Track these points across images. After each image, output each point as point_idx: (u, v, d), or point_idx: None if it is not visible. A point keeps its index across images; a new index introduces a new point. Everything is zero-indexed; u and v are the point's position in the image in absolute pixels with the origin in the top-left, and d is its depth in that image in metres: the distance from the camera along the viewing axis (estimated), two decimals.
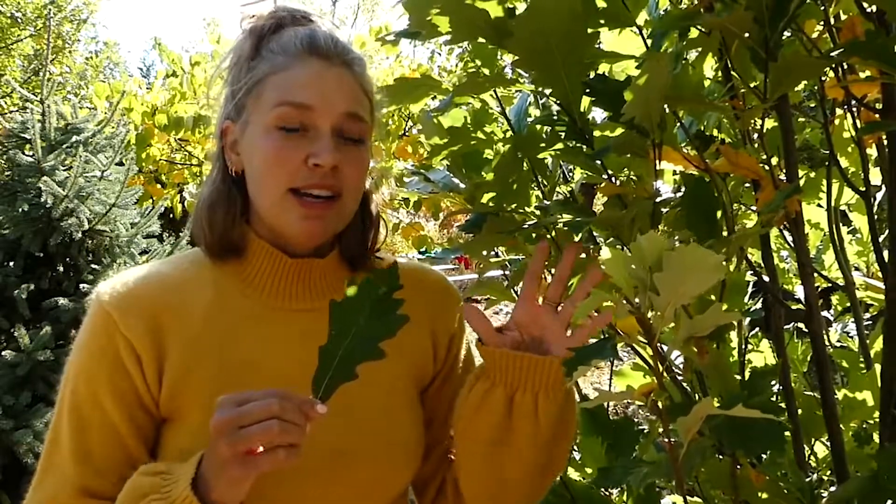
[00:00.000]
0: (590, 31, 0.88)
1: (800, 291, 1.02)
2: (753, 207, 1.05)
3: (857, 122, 0.99)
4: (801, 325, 1.39)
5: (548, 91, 0.94)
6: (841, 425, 1.01)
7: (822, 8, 0.90)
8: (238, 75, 0.88)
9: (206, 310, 0.87)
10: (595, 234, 1.14)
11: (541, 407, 0.80)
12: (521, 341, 0.82)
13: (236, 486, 0.70)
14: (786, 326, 1.22)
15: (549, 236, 1.07)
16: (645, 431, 1.15)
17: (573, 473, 1.19)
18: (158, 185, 5.00)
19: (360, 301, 0.72)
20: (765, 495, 0.90)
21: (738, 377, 0.99)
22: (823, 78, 0.98)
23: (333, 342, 0.71)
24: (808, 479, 0.91)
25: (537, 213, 1.03)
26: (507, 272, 1.27)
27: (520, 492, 0.87)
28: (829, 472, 1.20)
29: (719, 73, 1.00)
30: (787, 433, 0.96)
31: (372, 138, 0.92)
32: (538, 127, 1.10)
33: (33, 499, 0.84)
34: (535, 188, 1.12)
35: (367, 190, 0.94)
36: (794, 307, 1.08)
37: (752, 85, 0.87)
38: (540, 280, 0.82)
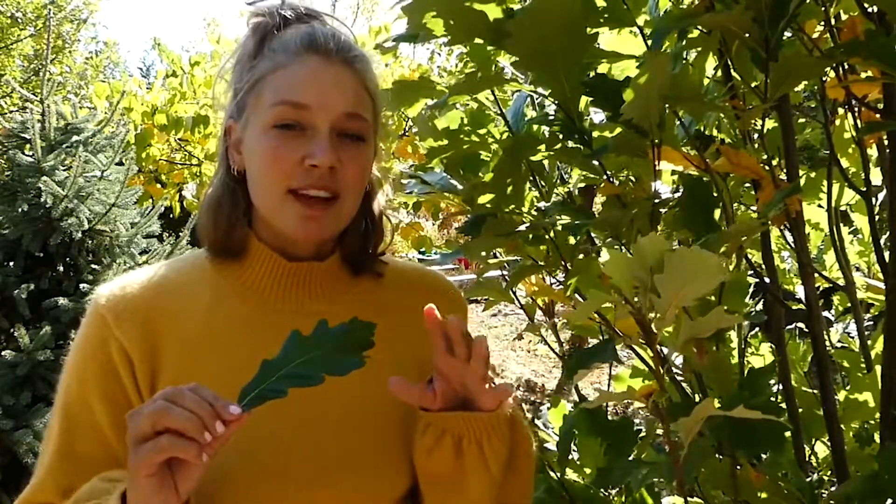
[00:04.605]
0: (589, 31, 0.88)
1: (800, 292, 1.02)
2: (754, 207, 1.05)
3: (858, 122, 0.99)
4: (801, 325, 1.39)
5: (546, 91, 0.94)
6: (842, 425, 1.01)
7: (823, 8, 0.90)
8: (241, 74, 0.88)
9: (203, 314, 0.87)
10: (593, 235, 1.13)
11: (486, 451, 0.80)
12: (450, 390, 0.80)
13: (145, 498, 0.67)
14: (787, 327, 1.22)
15: (547, 237, 1.07)
16: (643, 433, 1.15)
17: (572, 474, 1.19)
18: (158, 185, 5.01)
19: (324, 341, 0.71)
20: (765, 495, 0.90)
21: (738, 378, 0.99)
22: (824, 78, 0.98)
23: (277, 362, 0.69)
24: (808, 480, 0.91)
25: (533, 214, 1.03)
26: (505, 273, 1.27)
27: None
28: (829, 472, 1.20)
29: (719, 73, 1.00)
30: (788, 433, 0.96)
31: (376, 137, 0.91)
32: (535, 127, 1.10)
33: (22, 494, 0.84)
34: (533, 190, 1.11)
35: (369, 190, 0.93)
36: (794, 307, 1.07)
37: (752, 85, 0.87)
38: (444, 334, 0.79)
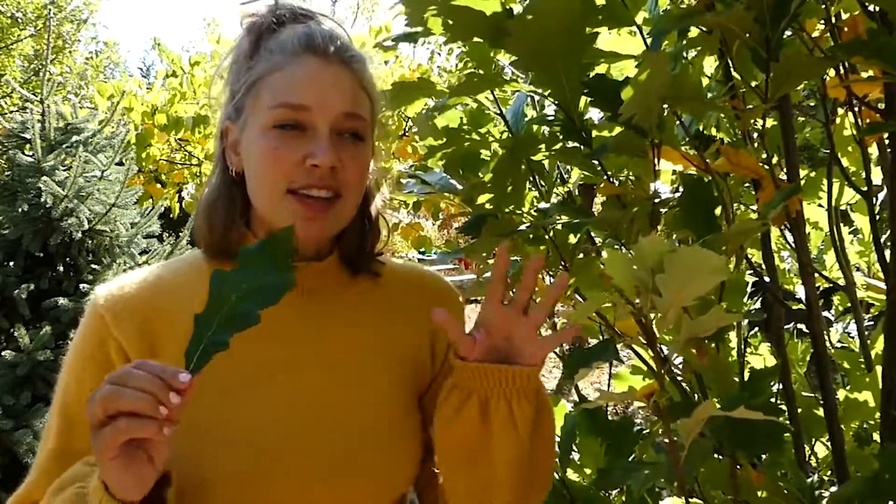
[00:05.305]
0: (589, 30, 0.87)
1: (800, 291, 1.02)
2: (754, 207, 1.05)
3: (859, 121, 0.99)
4: (801, 325, 1.39)
5: (546, 91, 0.93)
6: (841, 426, 1.01)
7: (824, 7, 0.90)
8: (238, 75, 0.88)
9: None
10: (593, 234, 1.13)
11: (516, 412, 0.77)
12: (490, 345, 0.78)
13: (117, 479, 0.67)
14: (786, 326, 1.22)
15: (547, 237, 1.07)
16: (644, 432, 1.14)
17: (572, 474, 1.19)
18: (158, 185, 5.00)
19: (247, 270, 0.67)
20: (765, 495, 0.90)
21: (737, 378, 0.99)
22: (825, 77, 0.97)
23: (210, 311, 0.66)
24: (808, 480, 0.91)
25: (533, 214, 1.03)
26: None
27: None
28: (829, 473, 1.20)
29: (720, 72, 1.00)
30: (788, 434, 0.96)
31: (374, 137, 0.91)
32: (535, 127, 1.10)
33: (18, 492, 0.84)
34: (533, 189, 1.11)
35: (367, 190, 0.93)
36: (794, 307, 1.07)
37: (753, 84, 0.87)
38: (506, 283, 0.77)
